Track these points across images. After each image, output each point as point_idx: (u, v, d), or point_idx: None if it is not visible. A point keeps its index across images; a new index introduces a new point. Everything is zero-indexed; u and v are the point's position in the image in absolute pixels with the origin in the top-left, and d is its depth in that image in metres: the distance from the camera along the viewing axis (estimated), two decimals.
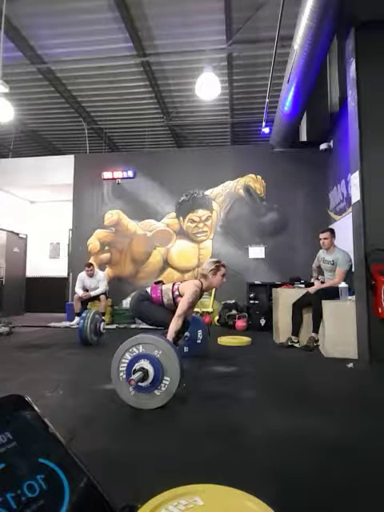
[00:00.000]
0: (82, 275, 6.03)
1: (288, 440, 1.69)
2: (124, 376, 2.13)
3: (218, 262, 3.12)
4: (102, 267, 6.79)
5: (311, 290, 4.14)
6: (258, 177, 6.73)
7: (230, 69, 5.50)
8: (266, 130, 5.98)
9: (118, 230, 7.03)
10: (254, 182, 6.74)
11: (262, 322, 5.48)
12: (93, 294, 5.89)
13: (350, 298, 3.73)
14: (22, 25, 4.60)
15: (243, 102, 6.52)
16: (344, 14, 3.25)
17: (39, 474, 0.71)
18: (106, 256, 7.04)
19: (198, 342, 3.60)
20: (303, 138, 5.93)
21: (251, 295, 6.22)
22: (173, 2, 4.20)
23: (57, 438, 0.81)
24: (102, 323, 4.35)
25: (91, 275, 5.97)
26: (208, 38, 4.81)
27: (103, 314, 5.20)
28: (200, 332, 3.61)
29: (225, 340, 4.41)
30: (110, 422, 1.96)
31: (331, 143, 5.75)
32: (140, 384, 2.05)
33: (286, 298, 4.36)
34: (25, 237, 8.63)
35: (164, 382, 2.10)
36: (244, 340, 4.40)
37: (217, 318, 6.14)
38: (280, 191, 6.62)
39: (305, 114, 5.45)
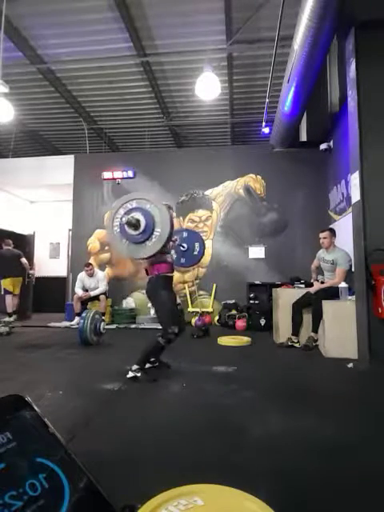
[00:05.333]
0: (82, 275, 6.03)
1: (288, 440, 1.69)
2: (118, 230, 2.18)
3: (167, 204, 3.12)
4: (101, 267, 6.79)
5: (311, 290, 4.14)
6: (258, 177, 6.73)
7: (230, 69, 5.50)
8: (266, 130, 5.97)
9: None
10: (254, 181, 6.73)
11: (262, 321, 5.48)
12: (93, 294, 5.89)
13: (349, 297, 3.73)
14: (22, 25, 4.60)
15: (243, 102, 6.52)
16: (344, 14, 3.24)
17: (40, 473, 0.71)
18: (105, 256, 7.04)
19: (195, 253, 3.62)
20: (303, 138, 5.93)
21: (251, 295, 6.21)
22: (173, 2, 4.20)
23: (57, 438, 0.81)
24: (102, 323, 4.35)
25: (91, 275, 5.97)
26: (208, 37, 4.80)
27: (103, 314, 5.20)
28: (197, 244, 3.63)
29: (225, 340, 4.40)
30: (110, 422, 1.97)
31: (331, 143, 5.75)
32: (132, 233, 2.10)
33: (285, 298, 4.36)
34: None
35: (155, 233, 2.14)
36: (244, 340, 4.40)
37: (217, 317, 6.14)
38: (280, 191, 6.62)
39: (305, 114, 5.45)
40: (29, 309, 7.74)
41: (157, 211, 2.16)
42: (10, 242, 6.79)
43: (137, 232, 2.11)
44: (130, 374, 2.75)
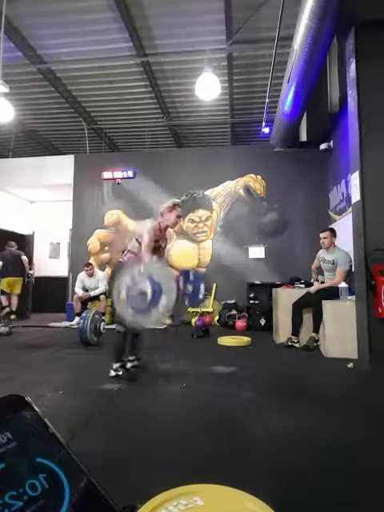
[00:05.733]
0: (82, 275, 6.03)
1: (288, 440, 1.69)
2: (125, 296, 2.22)
3: (175, 201, 3.14)
4: (101, 267, 6.79)
5: (311, 289, 4.13)
6: (258, 177, 6.73)
7: (230, 69, 5.50)
8: (266, 130, 5.97)
9: (118, 230, 7.03)
10: (254, 181, 6.74)
11: (262, 321, 5.48)
12: (93, 294, 5.89)
13: (349, 297, 3.73)
14: (22, 25, 4.60)
15: (243, 101, 6.52)
16: (344, 14, 3.24)
17: (40, 473, 0.71)
18: (105, 256, 7.04)
19: (200, 296, 3.68)
20: (303, 138, 5.93)
21: (251, 295, 6.22)
22: (173, 1, 4.20)
23: (57, 437, 0.81)
24: (102, 323, 4.35)
25: (91, 275, 5.97)
26: (208, 37, 4.80)
27: (103, 314, 5.20)
28: (202, 286, 3.70)
29: (225, 340, 4.40)
30: (110, 421, 1.97)
31: (331, 143, 5.75)
32: (138, 302, 2.15)
33: (285, 298, 4.36)
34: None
35: (161, 302, 2.16)
36: (244, 340, 4.40)
37: (217, 317, 6.14)
38: (280, 191, 6.62)
39: (305, 114, 5.45)
40: (28, 309, 7.74)
41: (164, 280, 2.19)
42: (13, 243, 6.79)
43: (143, 302, 2.13)
44: (112, 373, 2.81)
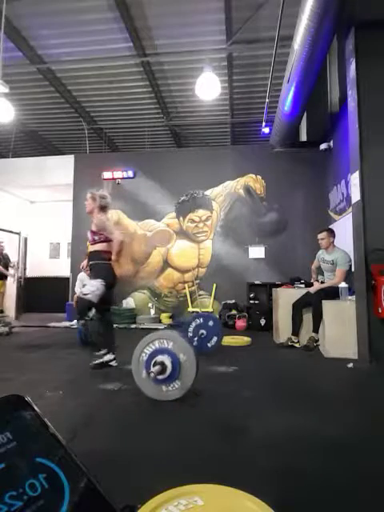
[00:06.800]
0: (82, 275, 6.01)
1: (288, 440, 1.69)
2: (145, 358, 2.20)
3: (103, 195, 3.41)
4: None
5: (311, 289, 4.13)
6: (258, 177, 6.73)
7: (230, 69, 5.50)
8: (266, 130, 5.98)
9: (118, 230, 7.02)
10: (254, 182, 6.73)
11: (262, 322, 5.48)
12: None
13: (349, 297, 3.73)
14: (22, 25, 4.60)
15: (243, 101, 6.52)
16: (344, 14, 3.24)
17: (40, 473, 0.71)
18: None
19: (209, 345, 3.73)
20: (303, 137, 5.93)
21: (251, 295, 6.22)
22: (173, 1, 4.20)
23: (57, 437, 0.81)
24: None
25: None
26: (208, 37, 4.81)
27: None
28: (215, 338, 3.75)
29: (225, 340, 4.39)
30: (110, 421, 1.96)
31: (331, 143, 5.75)
32: (156, 374, 2.14)
33: (286, 298, 4.36)
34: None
35: (174, 384, 2.14)
36: (244, 340, 4.40)
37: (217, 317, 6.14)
38: (280, 191, 6.62)
39: (305, 114, 5.45)
40: (19, 309, 7.73)
41: (187, 363, 2.17)
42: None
43: (161, 376, 2.13)
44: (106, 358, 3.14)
